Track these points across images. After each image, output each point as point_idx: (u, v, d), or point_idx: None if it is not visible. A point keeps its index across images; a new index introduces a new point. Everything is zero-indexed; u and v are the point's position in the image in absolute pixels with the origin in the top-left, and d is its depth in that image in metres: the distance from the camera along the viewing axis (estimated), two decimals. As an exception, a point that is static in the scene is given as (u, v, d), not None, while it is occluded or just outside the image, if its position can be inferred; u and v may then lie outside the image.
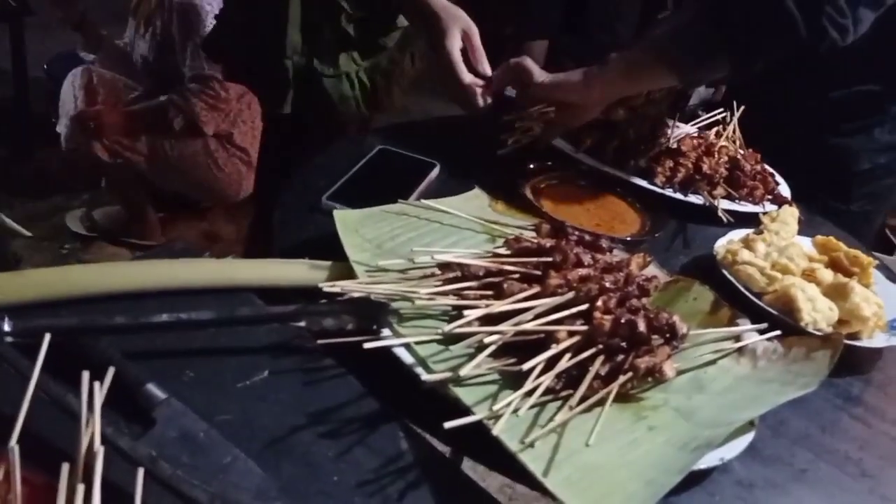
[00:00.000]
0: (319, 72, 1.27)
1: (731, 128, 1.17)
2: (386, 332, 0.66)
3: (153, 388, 0.57)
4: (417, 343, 0.65)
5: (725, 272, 0.85)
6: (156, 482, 0.52)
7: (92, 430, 0.48)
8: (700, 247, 0.96)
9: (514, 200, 0.94)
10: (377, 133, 1.05)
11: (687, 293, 0.78)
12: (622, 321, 0.65)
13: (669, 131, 1.12)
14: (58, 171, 2.32)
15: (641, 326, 0.66)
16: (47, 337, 0.51)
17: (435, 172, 0.98)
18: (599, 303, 0.67)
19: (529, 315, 0.65)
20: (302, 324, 0.64)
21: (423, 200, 0.87)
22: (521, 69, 0.96)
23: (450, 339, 0.65)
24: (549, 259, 0.73)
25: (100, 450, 0.46)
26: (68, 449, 0.48)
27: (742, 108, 1.18)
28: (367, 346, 0.62)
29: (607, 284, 0.68)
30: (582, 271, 0.71)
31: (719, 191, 1.04)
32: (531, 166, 0.99)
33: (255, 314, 0.64)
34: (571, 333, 0.65)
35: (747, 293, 0.83)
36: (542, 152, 1.04)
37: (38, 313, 0.62)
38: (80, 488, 0.44)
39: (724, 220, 0.99)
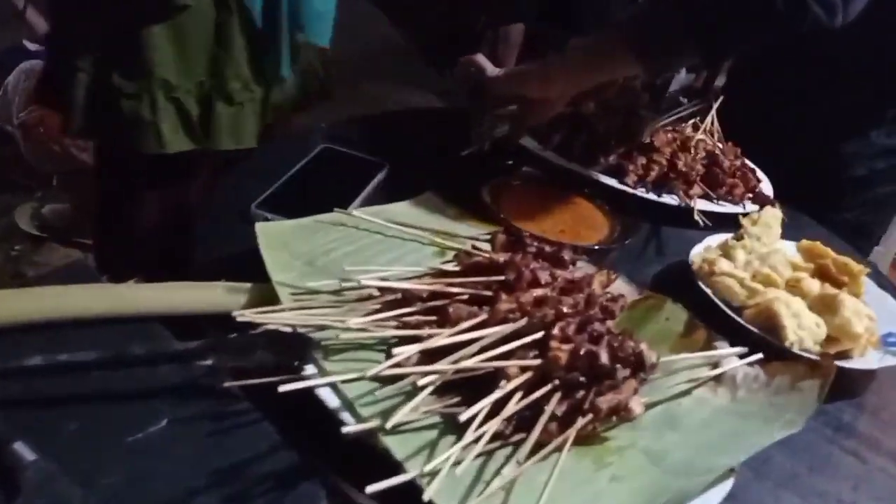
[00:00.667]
0: (118, 88, 0.99)
1: (708, 120, 1.08)
2: (310, 368, 0.57)
3: (20, 448, 0.48)
4: (344, 382, 0.56)
5: (701, 284, 0.77)
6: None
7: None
8: (675, 253, 0.87)
9: (470, 205, 0.85)
10: (322, 129, 0.95)
11: (658, 313, 0.69)
12: (581, 352, 0.57)
13: (643, 125, 1.03)
14: (8, 168, 2.20)
15: (604, 358, 0.57)
16: None
17: (383, 174, 0.89)
18: (556, 330, 0.58)
19: (475, 347, 0.56)
20: (209, 362, 0.55)
21: (363, 208, 0.78)
22: (473, 64, 0.87)
23: (383, 377, 0.56)
24: (502, 278, 0.64)
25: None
26: None
27: (721, 98, 1.09)
28: (282, 388, 0.53)
29: (565, 309, 0.59)
30: (538, 292, 0.62)
31: (695, 190, 0.96)
32: (491, 165, 0.90)
33: (149, 353, 0.55)
34: (523, 369, 0.56)
35: (726, 309, 0.74)
36: (506, 151, 0.95)
37: None
38: None
39: (701, 223, 0.90)
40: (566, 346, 0.58)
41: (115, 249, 1.16)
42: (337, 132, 0.96)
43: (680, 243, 0.88)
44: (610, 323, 0.63)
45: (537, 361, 0.56)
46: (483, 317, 0.58)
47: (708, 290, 0.76)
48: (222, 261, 0.70)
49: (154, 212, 1.09)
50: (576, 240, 0.84)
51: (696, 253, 0.81)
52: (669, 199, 0.94)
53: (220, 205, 0.79)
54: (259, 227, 0.68)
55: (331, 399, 0.55)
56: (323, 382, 0.55)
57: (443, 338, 0.56)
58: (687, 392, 0.63)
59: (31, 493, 0.47)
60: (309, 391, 0.55)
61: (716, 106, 1.11)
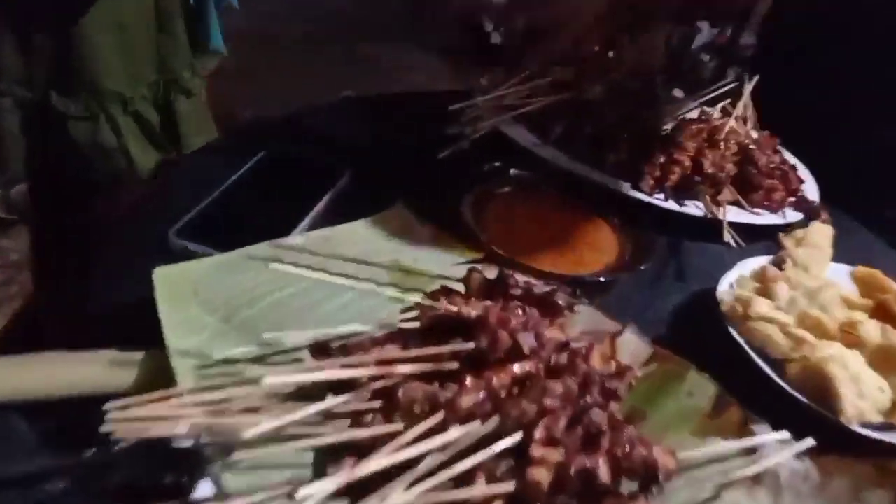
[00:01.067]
0: (62, 112, 0.82)
1: (742, 103, 0.91)
2: (204, 488, 0.42)
3: None
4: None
5: (733, 331, 0.61)
6: None
7: None
8: (700, 278, 0.71)
9: (449, 223, 0.69)
10: (267, 126, 0.79)
11: (678, 384, 0.53)
12: (572, 470, 0.41)
13: (662, 112, 0.86)
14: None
15: (603, 475, 0.42)
16: None
17: (344, 182, 0.73)
18: (539, 431, 0.43)
19: (424, 465, 0.41)
20: (61, 486, 0.41)
21: (312, 233, 0.63)
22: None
23: None
24: (471, 345, 0.48)
25: None
26: None
27: (756, 78, 0.92)
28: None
29: (549, 401, 0.44)
30: (516, 370, 0.47)
31: (725, 195, 0.79)
32: (477, 169, 0.74)
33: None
34: (489, 499, 0.41)
35: (765, 367, 0.58)
36: (497, 148, 0.78)
37: None
38: None
39: (732, 243, 0.74)
40: (552, 456, 0.42)
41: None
42: (285, 127, 0.80)
43: (706, 264, 0.72)
44: (614, 406, 0.48)
45: (510, 486, 0.41)
46: (437, 416, 0.43)
47: (741, 340, 0.60)
48: (126, 310, 0.55)
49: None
50: (577, 266, 0.68)
51: (727, 287, 0.65)
52: (693, 209, 0.78)
53: (133, 229, 0.64)
54: (158, 272, 0.52)
55: (229, 534, 0.41)
56: (219, 512, 0.41)
57: (378, 457, 0.41)
58: (714, 498, 0.48)
59: None
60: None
61: (751, 85, 0.93)
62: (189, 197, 0.66)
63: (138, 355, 0.49)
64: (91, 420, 0.43)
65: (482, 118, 0.79)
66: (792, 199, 0.82)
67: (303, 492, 0.38)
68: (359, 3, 2.96)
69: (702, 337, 0.62)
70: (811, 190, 0.84)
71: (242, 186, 0.69)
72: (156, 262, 0.60)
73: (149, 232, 0.62)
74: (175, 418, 0.43)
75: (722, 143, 0.81)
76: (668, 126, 0.84)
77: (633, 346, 0.56)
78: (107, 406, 0.43)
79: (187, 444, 0.42)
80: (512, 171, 0.76)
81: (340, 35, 2.73)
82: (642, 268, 0.68)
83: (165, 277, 0.52)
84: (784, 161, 0.85)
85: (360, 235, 0.66)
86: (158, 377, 0.48)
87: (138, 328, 0.51)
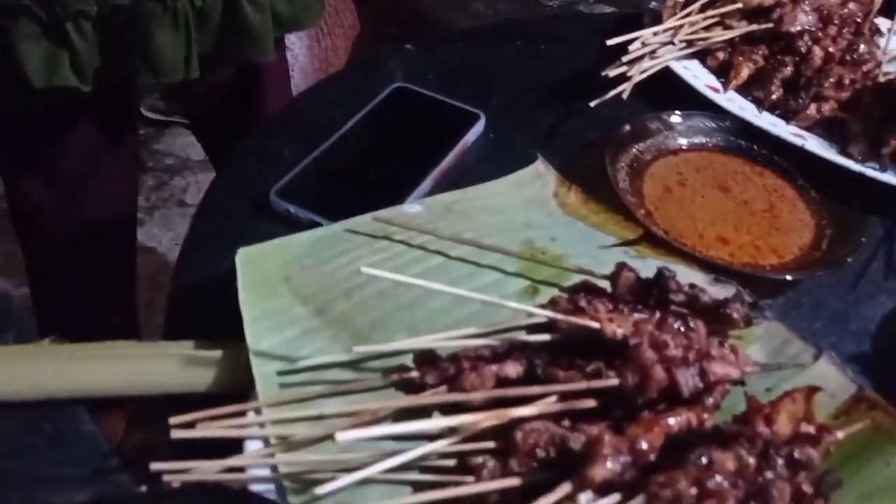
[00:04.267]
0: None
1: None
2: (270, 534, 0.35)
3: None
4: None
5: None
6: None
7: None
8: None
9: (598, 187, 0.57)
10: (396, 58, 0.69)
11: (891, 445, 0.40)
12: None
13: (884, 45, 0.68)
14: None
15: None
16: None
17: (477, 130, 0.62)
18: (697, 519, 0.32)
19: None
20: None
21: (434, 200, 0.53)
22: None
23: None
24: (615, 382, 0.38)
25: None
26: None
27: None
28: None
29: (716, 480, 0.33)
30: (672, 423, 0.36)
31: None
32: (628, 127, 0.60)
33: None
34: None
35: None
36: (658, 95, 0.64)
37: None
38: None
39: None
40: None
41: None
42: (422, 59, 0.69)
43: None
44: (801, 477, 0.36)
45: None
46: (563, 491, 0.33)
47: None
48: (214, 285, 0.48)
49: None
50: (758, 252, 0.55)
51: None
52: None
53: (225, 189, 0.56)
54: (241, 254, 0.44)
55: None
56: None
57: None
58: None
59: None
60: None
61: None
62: (298, 143, 0.58)
63: (217, 353, 0.42)
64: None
65: (650, 55, 0.65)
66: None
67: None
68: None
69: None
70: None
71: (359, 134, 0.59)
72: (258, 224, 0.53)
73: (246, 190, 0.55)
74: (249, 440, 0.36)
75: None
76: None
77: (829, 381, 0.43)
78: (171, 421, 0.37)
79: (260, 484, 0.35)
80: (681, 123, 0.62)
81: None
82: (848, 260, 0.53)
83: (250, 259, 0.44)
84: None
85: (490, 201, 0.55)
86: (240, 379, 0.41)
87: (229, 308, 0.44)
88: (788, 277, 0.52)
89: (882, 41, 0.70)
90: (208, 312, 0.47)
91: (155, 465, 0.33)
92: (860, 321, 0.52)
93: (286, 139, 0.60)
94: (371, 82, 0.65)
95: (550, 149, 0.60)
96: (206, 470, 0.34)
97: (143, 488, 0.34)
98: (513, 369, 0.40)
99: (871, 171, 0.59)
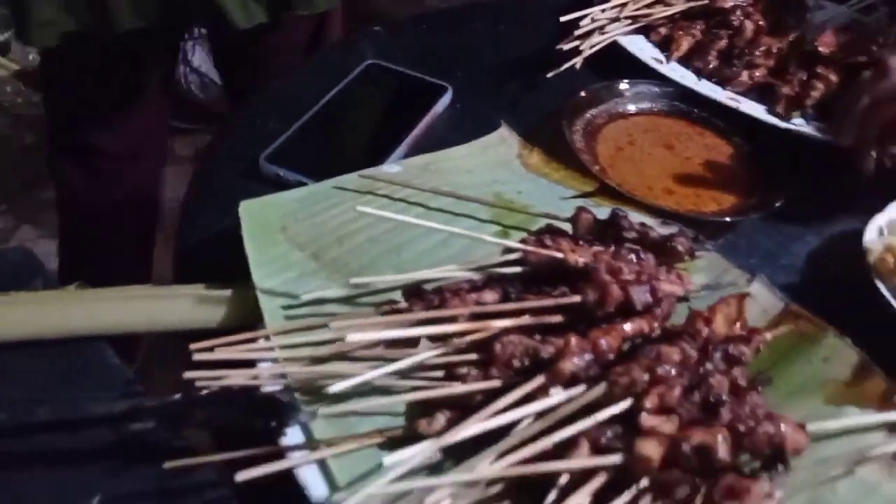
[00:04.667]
0: None
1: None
2: (292, 434, 0.40)
3: None
4: (337, 456, 0.39)
5: (881, 286, 0.53)
6: None
7: None
8: (843, 220, 0.63)
9: (557, 148, 0.63)
10: (368, 39, 0.74)
11: (813, 346, 0.47)
12: (686, 447, 0.37)
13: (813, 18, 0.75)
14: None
15: (722, 452, 0.37)
16: None
17: (445, 101, 0.68)
18: (650, 401, 0.39)
19: (523, 432, 0.38)
20: (150, 425, 0.40)
21: (408, 161, 0.59)
22: None
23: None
24: (577, 299, 0.44)
25: None
26: None
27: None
28: (241, 476, 0.37)
29: (667, 369, 0.39)
30: (627, 328, 0.42)
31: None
32: (583, 93, 0.67)
33: (65, 416, 0.40)
34: (591, 472, 0.37)
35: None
36: (608, 65, 0.71)
37: None
38: None
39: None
40: (664, 427, 0.38)
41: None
42: (391, 39, 0.75)
43: (853, 206, 0.63)
44: (737, 373, 0.43)
45: (616, 458, 0.37)
46: (538, 381, 0.39)
47: (889, 296, 0.52)
48: (215, 240, 0.53)
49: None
50: (699, 200, 0.62)
51: (875, 234, 0.56)
52: (839, 139, 0.68)
53: (221, 154, 0.61)
54: (244, 207, 0.50)
55: (316, 485, 0.39)
56: (306, 461, 0.39)
57: (476, 421, 0.37)
58: (849, 472, 0.43)
59: None
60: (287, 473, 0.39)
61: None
62: (282, 116, 0.63)
63: (226, 292, 0.47)
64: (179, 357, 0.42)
65: (599, 31, 0.71)
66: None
67: (390, 459, 0.36)
68: None
69: (843, 290, 0.54)
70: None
71: (339, 105, 0.65)
72: (248, 188, 0.58)
73: (240, 155, 0.60)
74: (261, 362, 0.41)
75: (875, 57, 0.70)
76: (813, 38, 0.74)
77: (762, 300, 0.50)
78: (192, 347, 0.42)
79: (275, 389, 0.41)
80: (629, 90, 0.69)
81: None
82: (776, 205, 0.61)
83: (252, 211, 0.50)
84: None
85: (461, 162, 0.61)
86: (246, 315, 0.46)
87: (228, 260, 0.49)
88: (727, 220, 0.59)
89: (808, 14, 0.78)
90: (210, 264, 0.51)
91: (188, 374, 0.38)
92: (789, 257, 0.59)
93: (270, 113, 0.65)
94: (345, 61, 0.70)
95: (513, 116, 0.66)
96: (234, 377, 0.39)
97: (178, 396, 0.39)
98: (490, 296, 0.46)
99: (795, 128, 0.67)
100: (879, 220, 0.58)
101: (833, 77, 0.70)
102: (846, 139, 0.62)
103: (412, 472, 0.37)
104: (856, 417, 0.44)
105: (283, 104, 0.65)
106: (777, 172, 0.64)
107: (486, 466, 0.36)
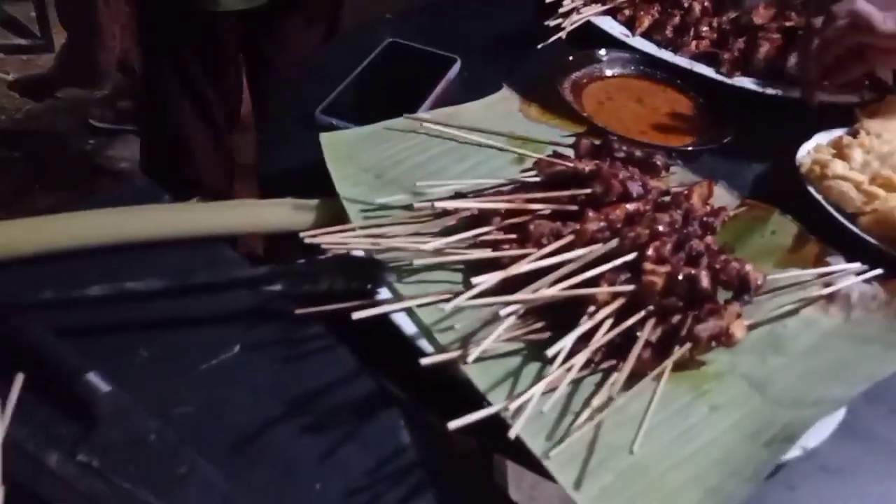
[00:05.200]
0: None
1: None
2: (383, 292, 0.53)
3: (94, 379, 0.47)
4: (420, 307, 0.52)
5: (811, 189, 0.69)
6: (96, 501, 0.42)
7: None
8: (779, 152, 0.79)
9: (550, 102, 0.78)
10: (386, 23, 0.88)
11: (763, 225, 0.62)
12: (679, 276, 0.51)
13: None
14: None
15: (704, 282, 0.52)
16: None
17: (455, 70, 0.82)
18: (651, 251, 0.53)
19: (560, 272, 0.51)
20: (278, 287, 0.52)
21: (435, 111, 0.72)
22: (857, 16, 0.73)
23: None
24: (588, 191, 0.58)
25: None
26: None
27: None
28: (356, 315, 0.50)
29: (660, 227, 0.54)
30: (630, 207, 0.56)
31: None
32: (571, 58, 0.82)
33: (216, 280, 0.52)
34: (614, 295, 0.51)
35: (839, 217, 0.67)
36: (585, 39, 0.86)
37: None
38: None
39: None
40: (662, 269, 0.52)
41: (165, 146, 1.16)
42: (404, 23, 0.89)
43: (786, 141, 0.79)
44: (710, 239, 0.57)
45: (630, 287, 0.51)
46: (568, 237, 0.53)
47: (819, 196, 0.68)
48: (287, 172, 0.66)
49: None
50: (666, 139, 0.77)
51: (805, 153, 0.72)
52: (771, 90, 0.84)
53: (282, 111, 0.74)
54: (324, 137, 0.63)
55: (407, 325, 0.52)
56: (399, 308, 0.52)
57: (525, 263, 0.51)
58: (794, 312, 0.58)
59: (107, 425, 0.46)
60: (384, 317, 0.52)
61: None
62: (325, 82, 0.76)
63: (314, 202, 0.60)
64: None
65: (576, 11, 0.87)
66: (867, 81, 0.87)
67: (476, 279, 0.49)
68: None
69: (783, 197, 0.70)
70: (885, 73, 0.90)
71: (369, 74, 0.79)
72: (306, 134, 0.71)
73: (295, 111, 0.73)
74: (359, 242, 0.54)
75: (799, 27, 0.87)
76: (749, 14, 0.90)
77: (724, 199, 0.65)
78: (302, 234, 0.55)
79: (368, 259, 0.53)
80: (605, 57, 0.84)
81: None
82: (725, 141, 0.76)
83: (329, 142, 0.63)
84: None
85: (475, 113, 0.75)
86: (329, 219, 0.59)
87: (304, 185, 0.62)
88: (689, 149, 0.74)
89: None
90: (288, 188, 0.64)
91: (308, 239, 0.51)
92: (740, 179, 0.74)
93: (311, 79, 0.78)
94: (365, 42, 0.84)
95: (512, 80, 0.80)
96: (350, 242, 0.52)
97: (302, 261, 0.51)
98: (519, 198, 0.60)
99: (736, 83, 0.83)
100: (808, 146, 0.74)
101: (768, 44, 0.86)
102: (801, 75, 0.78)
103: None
104: (798, 272, 0.59)
105: (321, 73, 0.79)
106: (725, 117, 0.79)
107: (543, 291, 0.49)
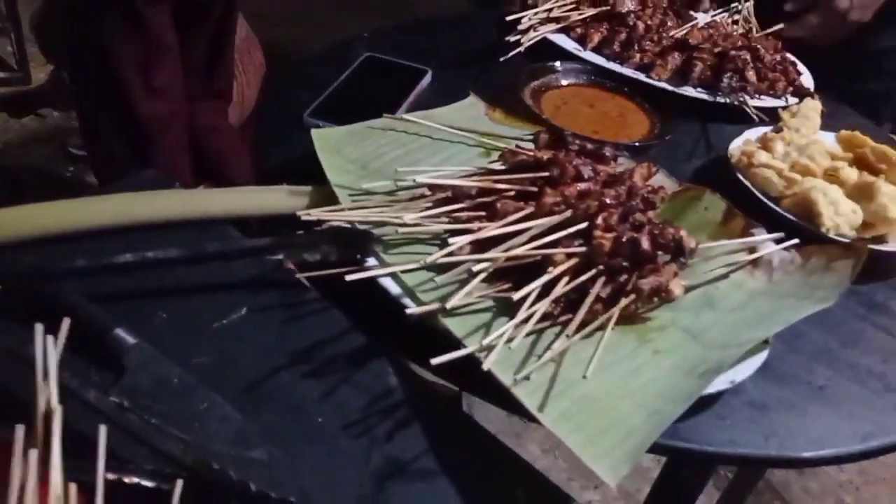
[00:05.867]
0: None
1: (745, 10, 1.08)
2: (371, 261, 0.61)
3: (122, 334, 0.54)
4: (404, 272, 0.60)
5: (740, 176, 0.79)
6: (125, 435, 0.49)
7: (50, 387, 0.45)
8: (714, 149, 0.89)
9: (512, 107, 0.87)
10: (364, 40, 0.98)
11: (697, 203, 0.72)
12: (624, 239, 0.60)
13: (678, 21, 1.04)
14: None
15: (645, 244, 0.61)
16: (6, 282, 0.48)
17: (426, 80, 0.91)
18: (600, 220, 0.62)
19: (523, 238, 0.60)
20: (280, 257, 0.60)
21: (410, 114, 0.81)
22: None
23: (438, 268, 0.60)
24: (547, 174, 0.67)
25: (57, 408, 0.43)
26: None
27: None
28: (349, 277, 0.58)
29: (608, 200, 0.63)
30: (581, 186, 0.65)
31: (742, 83, 0.96)
32: (530, 68, 0.92)
33: (227, 249, 0.60)
34: (569, 255, 0.60)
35: (763, 198, 0.77)
36: (542, 52, 0.96)
37: (-2, 258, 0.59)
38: (34, 454, 0.41)
39: (756, 117, 0.91)
40: (609, 235, 0.61)
41: None
42: (378, 41, 0.98)
43: (719, 139, 0.89)
44: (651, 213, 0.67)
45: (583, 249, 0.60)
46: (530, 210, 0.62)
47: (746, 182, 0.78)
48: (280, 167, 0.74)
49: None
50: (616, 137, 0.86)
51: (735, 146, 0.83)
52: (705, 95, 0.95)
53: (274, 113, 0.83)
54: (315, 133, 0.71)
55: (392, 287, 0.60)
56: (385, 272, 0.60)
57: (493, 228, 0.60)
58: (724, 276, 0.67)
59: (135, 372, 0.53)
60: (372, 280, 0.60)
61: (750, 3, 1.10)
62: (311, 91, 0.85)
63: (307, 188, 0.68)
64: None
65: (533, 28, 0.97)
66: (791, 88, 0.99)
67: (453, 240, 0.57)
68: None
69: (716, 185, 0.79)
70: (807, 80, 1.01)
71: (350, 83, 0.87)
72: (296, 134, 0.79)
73: (286, 113, 0.82)
74: (348, 217, 0.63)
75: (732, 42, 0.98)
76: (684, 32, 1.01)
77: (663, 182, 0.74)
78: (298, 213, 0.63)
79: (357, 232, 0.62)
80: (560, 68, 0.94)
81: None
82: (667, 138, 0.86)
83: (320, 137, 0.71)
84: (785, 58, 1.02)
85: (446, 116, 0.84)
86: (322, 203, 0.67)
87: (296, 176, 0.70)
88: (636, 144, 0.84)
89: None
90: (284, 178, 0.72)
91: (304, 216, 0.59)
92: (681, 172, 0.84)
93: (299, 88, 0.87)
94: (345, 56, 0.93)
95: (478, 89, 0.90)
96: (342, 217, 0.60)
97: (301, 233, 0.59)
98: (487, 179, 0.69)
99: (683, 90, 0.94)
100: (738, 142, 0.84)
101: (704, 56, 0.97)
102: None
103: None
104: (727, 242, 0.69)
105: (307, 82, 0.88)
106: (666, 119, 0.90)
107: (517, 247, 0.58)
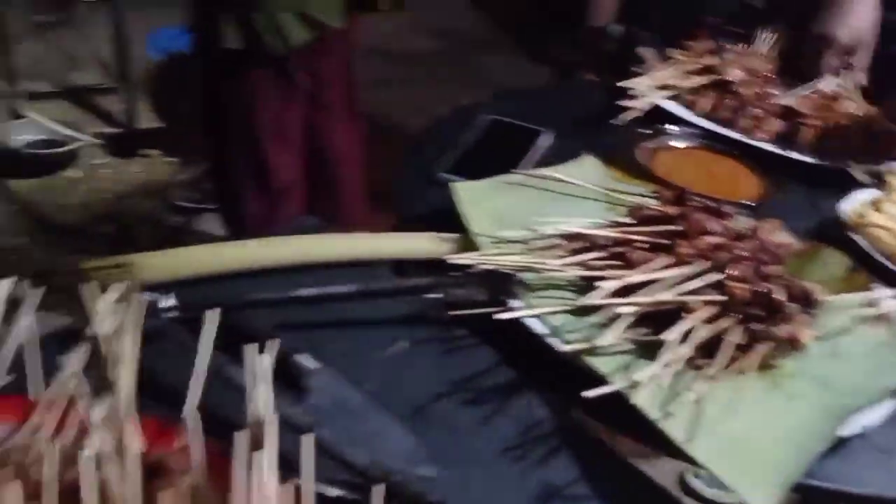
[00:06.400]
0: None
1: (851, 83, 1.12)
2: (514, 302, 0.67)
3: (306, 359, 0.60)
4: (549, 314, 0.66)
5: (853, 235, 0.83)
6: (317, 448, 0.55)
7: (259, 399, 0.51)
8: (819, 210, 0.93)
9: (628, 167, 0.93)
10: (485, 105, 1.06)
11: (819, 260, 0.76)
12: (759, 290, 0.65)
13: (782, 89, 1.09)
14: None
15: (780, 295, 0.65)
16: (213, 312, 0.55)
17: (546, 139, 0.98)
18: (733, 271, 0.66)
19: (663, 285, 0.65)
20: (435, 295, 0.66)
21: (538, 169, 0.88)
22: None
23: (581, 310, 0.65)
24: (676, 228, 0.72)
25: (273, 417, 0.49)
26: (234, 418, 0.51)
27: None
28: (497, 317, 0.63)
29: (742, 253, 0.67)
30: (712, 239, 0.70)
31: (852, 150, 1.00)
32: (643, 131, 0.98)
33: (394, 286, 0.66)
34: (707, 303, 0.64)
35: (878, 256, 0.80)
36: (655, 117, 1.02)
37: (195, 290, 0.66)
38: (257, 455, 0.47)
39: (865, 181, 0.95)
40: (744, 286, 0.66)
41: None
42: (500, 105, 1.06)
43: (828, 201, 0.93)
44: (779, 267, 0.71)
45: (721, 297, 0.64)
46: (665, 261, 0.67)
47: (860, 240, 0.82)
48: (416, 218, 0.82)
49: None
50: (729, 197, 0.91)
51: (848, 207, 0.86)
52: (811, 159, 1.00)
53: (409, 171, 0.91)
54: (454, 187, 0.78)
55: (539, 327, 0.65)
56: (535, 313, 0.66)
57: (636, 275, 0.65)
58: (849, 328, 0.70)
59: (318, 393, 0.59)
60: (515, 321, 0.65)
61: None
62: (438, 147, 0.93)
63: (452, 235, 0.75)
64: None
65: (641, 95, 1.03)
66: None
67: (584, 299, 0.63)
68: (471, 19, 3.27)
69: (827, 242, 0.83)
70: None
71: (478, 142, 0.95)
72: (431, 188, 0.87)
73: (420, 172, 0.89)
74: (493, 261, 0.69)
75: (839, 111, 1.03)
76: (792, 98, 1.06)
77: (785, 239, 0.78)
78: (447, 257, 0.69)
79: (502, 275, 0.68)
80: (675, 132, 1.00)
81: (454, 49, 3.06)
82: (778, 196, 0.91)
83: (459, 189, 0.78)
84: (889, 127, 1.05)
85: (568, 173, 0.90)
86: (465, 250, 0.74)
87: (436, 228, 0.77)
88: (749, 203, 0.88)
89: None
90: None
91: (454, 260, 0.66)
92: (793, 228, 0.88)
93: (429, 151, 0.94)
94: (469, 119, 1.01)
95: (593, 149, 0.96)
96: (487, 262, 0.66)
97: (456, 273, 0.66)
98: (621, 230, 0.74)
99: (790, 154, 0.98)
100: (849, 201, 0.88)
101: (812, 123, 1.02)
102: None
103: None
104: (850, 297, 0.72)
105: (436, 143, 0.95)
106: (776, 181, 0.94)
107: (660, 294, 0.63)
